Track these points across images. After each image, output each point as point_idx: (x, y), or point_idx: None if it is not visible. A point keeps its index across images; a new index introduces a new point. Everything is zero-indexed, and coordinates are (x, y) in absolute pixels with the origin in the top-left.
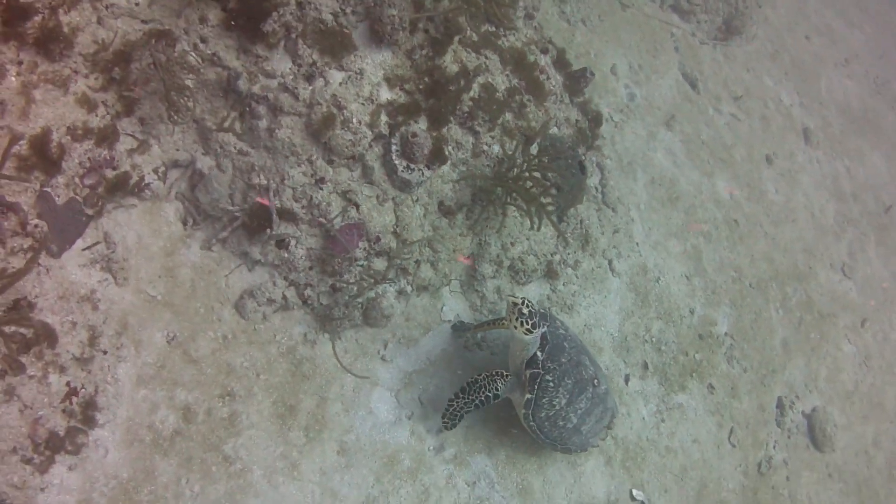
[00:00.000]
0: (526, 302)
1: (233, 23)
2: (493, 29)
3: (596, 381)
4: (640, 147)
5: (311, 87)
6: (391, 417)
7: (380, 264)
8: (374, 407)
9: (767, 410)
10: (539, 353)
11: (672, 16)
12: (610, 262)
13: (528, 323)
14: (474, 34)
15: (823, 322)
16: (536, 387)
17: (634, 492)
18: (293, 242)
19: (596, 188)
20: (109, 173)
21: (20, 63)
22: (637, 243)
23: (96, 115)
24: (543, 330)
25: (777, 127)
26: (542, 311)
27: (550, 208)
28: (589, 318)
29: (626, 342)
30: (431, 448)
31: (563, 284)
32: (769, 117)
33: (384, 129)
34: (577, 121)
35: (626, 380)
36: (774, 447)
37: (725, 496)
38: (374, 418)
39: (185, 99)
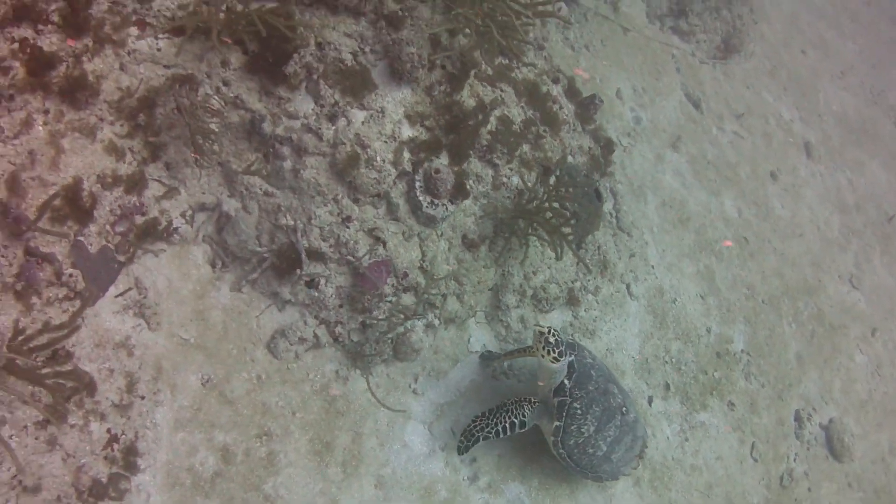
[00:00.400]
0: (552, 331)
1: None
2: (507, 62)
3: (624, 409)
4: (649, 170)
5: (334, 127)
6: (425, 449)
7: (408, 299)
8: (409, 440)
9: (786, 424)
10: (566, 381)
11: (672, 37)
12: (628, 286)
13: (554, 351)
14: (489, 68)
15: (835, 334)
16: (565, 414)
17: None
18: (323, 281)
19: (610, 213)
20: (139, 219)
21: (47, 112)
22: (652, 266)
23: (124, 163)
24: (570, 359)
25: (779, 142)
26: (569, 340)
27: (570, 237)
28: (610, 342)
29: (647, 364)
30: (466, 478)
31: (585, 311)
32: (771, 133)
33: (407, 166)
34: (589, 148)
35: (650, 401)
36: (795, 460)
37: None
38: (409, 451)
39: (210, 143)
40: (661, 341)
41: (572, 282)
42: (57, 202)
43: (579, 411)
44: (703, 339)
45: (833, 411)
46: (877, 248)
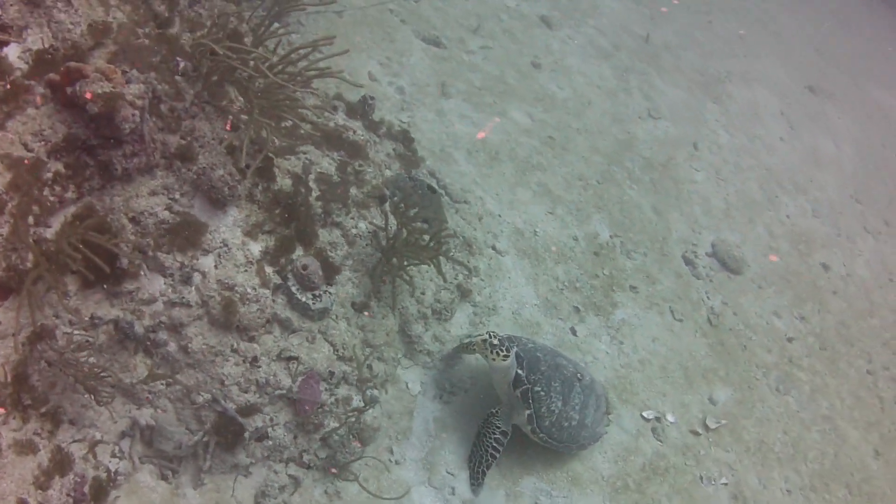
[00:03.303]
0: (492, 334)
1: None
2: (291, 122)
3: (579, 375)
4: (439, 129)
5: (193, 287)
6: None
7: (344, 391)
8: None
9: (682, 273)
10: (520, 371)
11: None
12: (494, 248)
13: (502, 350)
14: (280, 140)
15: (668, 169)
16: (531, 401)
17: (644, 414)
18: (269, 429)
19: (440, 194)
20: (86, 489)
21: None
22: (499, 215)
23: (42, 451)
24: (515, 349)
25: (520, 31)
26: (506, 335)
27: (442, 247)
28: (513, 305)
29: (549, 301)
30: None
31: (478, 294)
32: (509, 28)
33: (275, 278)
34: (394, 149)
35: (573, 332)
36: (708, 297)
37: (706, 364)
38: None
39: (102, 378)
40: (547, 275)
41: (455, 278)
42: None
43: (542, 393)
44: (576, 248)
45: (709, 236)
46: (651, 71)
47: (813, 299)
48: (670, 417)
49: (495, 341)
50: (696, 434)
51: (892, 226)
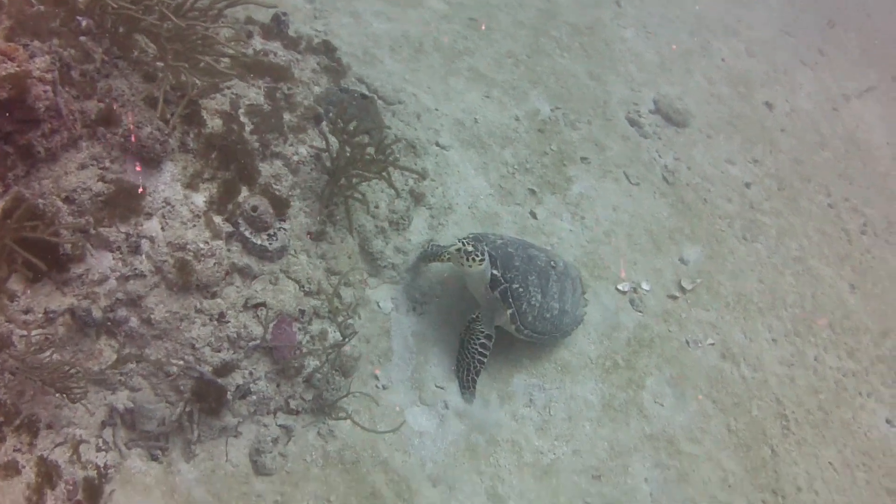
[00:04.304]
0: (465, 241)
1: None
2: (210, 61)
3: (552, 262)
4: (356, 31)
5: (143, 255)
6: (436, 421)
7: (318, 326)
8: (418, 427)
9: (629, 135)
10: (495, 272)
11: None
12: (437, 144)
13: (477, 256)
14: (200, 80)
15: (595, 31)
16: (511, 299)
17: (619, 286)
18: (250, 384)
19: (373, 99)
20: (79, 495)
21: None
22: (436, 108)
23: (27, 467)
24: (487, 250)
25: None
26: (474, 235)
27: (391, 158)
28: (467, 200)
29: (503, 188)
30: (481, 413)
31: (432, 196)
32: None
33: (227, 227)
34: (318, 63)
35: (533, 215)
36: (659, 155)
37: (669, 224)
38: (428, 435)
39: (71, 374)
40: (496, 161)
41: (406, 185)
42: None
43: (521, 289)
44: (519, 129)
45: (650, 93)
46: None
47: (762, 140)
48: (645, 286)
49: (469, 248)
50: (674, 298)
51: (828, 55)
